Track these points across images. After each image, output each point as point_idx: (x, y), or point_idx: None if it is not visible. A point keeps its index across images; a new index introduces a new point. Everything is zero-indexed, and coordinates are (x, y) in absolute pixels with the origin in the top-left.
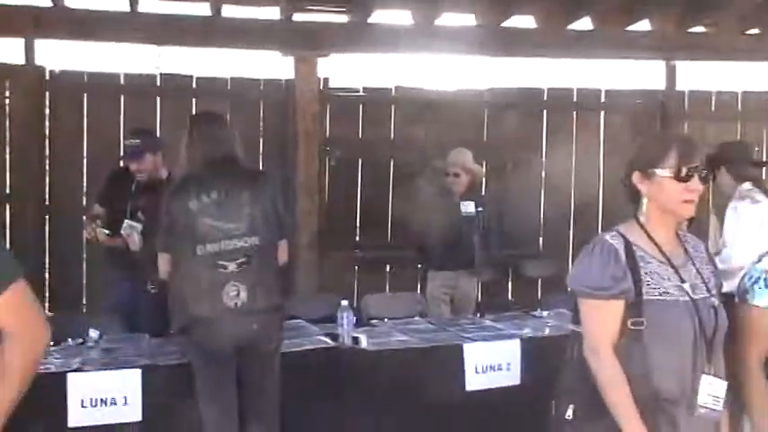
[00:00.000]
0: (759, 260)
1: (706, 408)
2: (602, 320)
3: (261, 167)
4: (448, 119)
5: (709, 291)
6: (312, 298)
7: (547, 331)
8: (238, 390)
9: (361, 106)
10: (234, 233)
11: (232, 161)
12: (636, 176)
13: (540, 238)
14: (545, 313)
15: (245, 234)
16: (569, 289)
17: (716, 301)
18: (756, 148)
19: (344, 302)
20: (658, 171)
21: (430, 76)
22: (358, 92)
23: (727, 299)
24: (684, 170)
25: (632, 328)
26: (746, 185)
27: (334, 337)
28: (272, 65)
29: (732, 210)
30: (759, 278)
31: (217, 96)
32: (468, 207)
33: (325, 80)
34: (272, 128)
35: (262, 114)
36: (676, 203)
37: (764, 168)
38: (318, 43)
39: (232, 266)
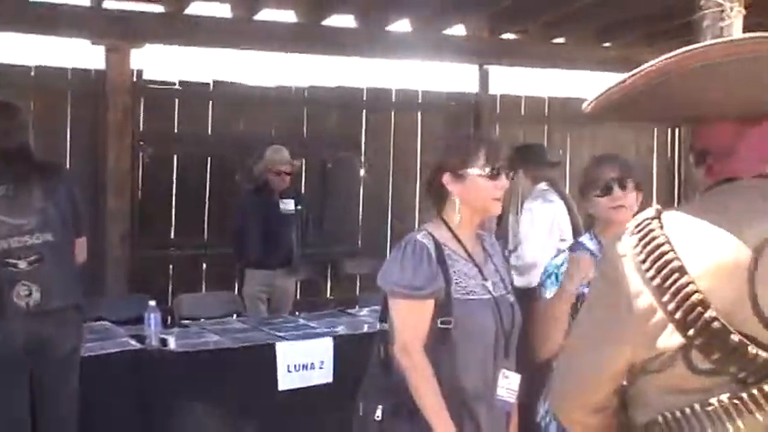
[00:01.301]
0: (555, 256)
1: (502, 400)
2: (413, 320)
3: (68, 162)
4: (267, 115)
5: (506, 288)
6: (121, 299)
7: (365, 328)
8: (32, 397)
9: (176, 100)
10: (25, 229)
11: (23, 153)
12: (446, 178)
13: (359, 236)
14: (363, 311)
15: (38, 230)
16: (380, 287)
17: (512, 297)
18: (560, 151)
19: (152, 303)
20: (470, 171)
21: (249, 72)
22: (174, 85)
23: (521, 294)
24: (494, 169)
25: (441, 327)
26: (542, 186)
27: (142, 338)
28: (82, 54)
29: (527, 209)
30: (552, 273)
31: (18, 85)
32: (288, 205)
33: (139, 72)
34: (80, 120)
35: (69, 106)
36: (488, 201)
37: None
38: (131, 33)
39: (23, 264)
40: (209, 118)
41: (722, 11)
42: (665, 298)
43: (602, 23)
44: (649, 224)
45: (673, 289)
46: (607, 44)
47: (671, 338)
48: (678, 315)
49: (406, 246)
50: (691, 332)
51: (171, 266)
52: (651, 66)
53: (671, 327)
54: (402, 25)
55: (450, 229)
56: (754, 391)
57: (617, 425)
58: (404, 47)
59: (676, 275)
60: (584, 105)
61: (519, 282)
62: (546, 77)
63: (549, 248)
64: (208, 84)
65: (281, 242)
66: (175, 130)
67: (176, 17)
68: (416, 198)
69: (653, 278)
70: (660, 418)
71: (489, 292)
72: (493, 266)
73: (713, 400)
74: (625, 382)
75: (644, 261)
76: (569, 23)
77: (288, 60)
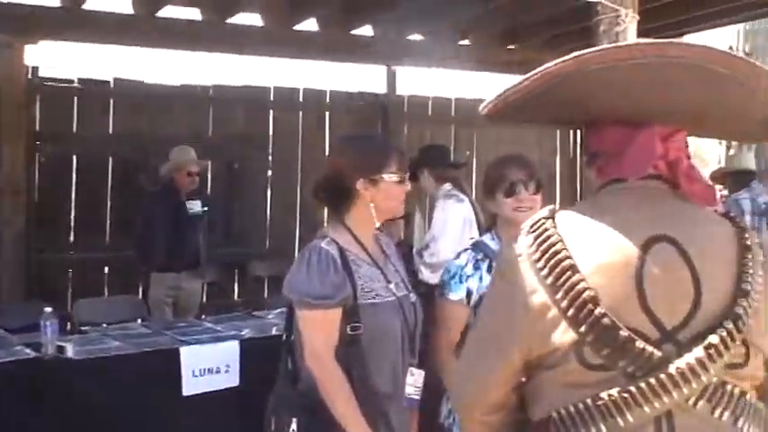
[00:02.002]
0: (458, 256)
1: (410, 398)
2: (323, 330)
3: None
4: (171, 115)
5: (407, 287)
6: (16, 305)
7: (273, 331)
8: None
9: (75, 98)
10: None
11: None
12: (360, 183)
13: (267, 238)
14: (271, 313)
15: None
16: (286, 298)
17: (413, 296)
18: (467, 151)
19: (48, 309)
20: (386, 177)
21: (152, 70)
22: (72, 83)
23: (432, 290)
24: (404, 174)
25: (351, 333)
26: (447, 186)
27: (38, 347)
28: None
29: (441, 208)
30: (456, 273)
31: None
32: (195, 206)
33: (35, 69)
34: None
35: None
36: (397, 205)
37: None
38: (25, 28)
39: None
40: (110, 117)
41: (617, 16)
42: (559, 296)
43: (506, 26)
44: (544, 224)
45: (565, 287)
46: (512, 47)
47: (564, 335)
48: (570, 312)
49: (310, 254)
50: (582, 329)
51: (70, 271)
52: (547, 68)
53: (564, 324)
54: (309, 24)
55: (351, 233)
56: (642, 385)
57: (516, 422)
58: (311, 46)
59: (568, 274)
60: (481, 107)
61: (434, 279)
62: (452, 79)
63: (463, 246)
64: (108, 82)
65: (188, 244)
66: (74, 130)
67: (73, 12)
68: None
69: (547, 276)
70: (555, 414)
71: (393, 293)
72: (393, 267)
73: (604, 395)
74: (523, 379)
75: (538, 260)
76: (475, 26)
77: (192, 59)
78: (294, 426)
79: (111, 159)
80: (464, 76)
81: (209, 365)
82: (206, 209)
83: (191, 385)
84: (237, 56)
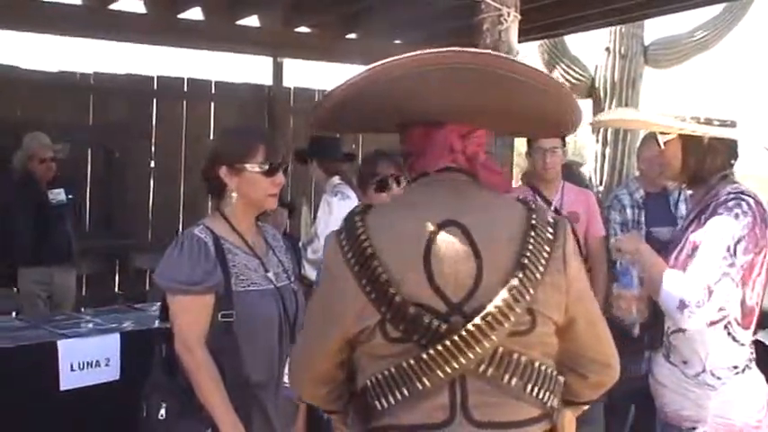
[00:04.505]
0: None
1: (289, 387)
2: (193, 316)
3: None
4: (48, 102)
5: (289, 278)
6: None
7: (155, 324)
8: None
9: None
10: None
11: None
12: (223, 171)
13: (149, 229)
14: (153, 306)
15: None
16: (158, 285)
17: (295, 286)
18: (353, 145)
19: None
20: (248, 166)
21: (29, 56)
22: None
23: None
24: (272, 165)
25: (222, 320)
26: (336, 179)
27: None
28: None
29: (325, 204)
30: None
31: None
32: (58, 195)
33: None
34: None
35: None
36: (264, 197)
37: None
38: None
39: None
40: None
41: (500, 15)
42: (364, 281)
43: (393, 20)
44: (354, 219)
45: (368, 273)
46: (398, 41)
47: (371, 315)
48: (373, 295)
49: (183, 241)
50: (383, 308)
51: None
52: (351, 79)
53: (370, 305)
54: (194, 13)
55: (228, 222)
56: (432, 352)
57: (347, 393)
58: (196, 35)
59: (369, 261)
60: (311, 120)
61: (315, 275)
62: (340, 72)
63: None
64: None
65: (56, 236)
66: None
67: None
68: None
69: (354, 265)
70: (369, 383)
71: (271, 282)
72: (275, 258)
73: (404, 363)
74: (344, 356)
75: (348, 251)
76: (362, 19)
77: (72, 45)
78: (163, 411)
79: None
80: (352, 69)
81: (88, 359)
82: (71, 197)
83: (69, 380)
84: (119, 43)
